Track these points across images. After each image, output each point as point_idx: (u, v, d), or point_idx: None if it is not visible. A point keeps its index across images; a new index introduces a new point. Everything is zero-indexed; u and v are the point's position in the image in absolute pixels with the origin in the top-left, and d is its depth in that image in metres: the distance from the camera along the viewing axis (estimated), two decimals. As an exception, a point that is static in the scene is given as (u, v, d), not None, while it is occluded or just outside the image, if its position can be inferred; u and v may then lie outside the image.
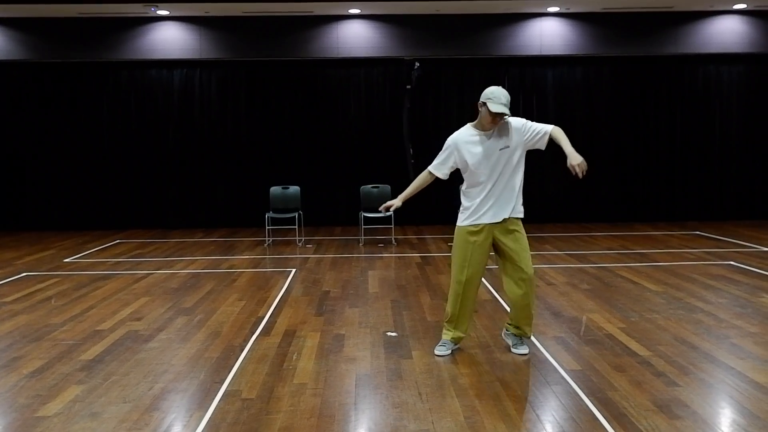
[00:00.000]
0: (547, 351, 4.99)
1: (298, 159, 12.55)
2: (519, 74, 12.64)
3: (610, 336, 5.35)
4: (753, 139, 12.77)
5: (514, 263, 4.77)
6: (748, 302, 6.39)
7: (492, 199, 4.74)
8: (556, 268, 8.23)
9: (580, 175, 4.47)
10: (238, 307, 6.46)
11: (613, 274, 7.79)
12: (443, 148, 4.90)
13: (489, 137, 4.74)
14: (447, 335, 5.00)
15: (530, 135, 4.72)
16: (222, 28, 11.90)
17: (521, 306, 4.84)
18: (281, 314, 6.19)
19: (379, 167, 12.09)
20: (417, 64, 11.60)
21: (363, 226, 10.40)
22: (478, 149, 4.73)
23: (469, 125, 4.87)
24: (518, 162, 4.77)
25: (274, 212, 10.56)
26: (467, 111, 12.42)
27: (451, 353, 4.94)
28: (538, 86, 12.68)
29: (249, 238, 11.20)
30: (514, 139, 4.72)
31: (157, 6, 11.05)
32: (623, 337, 5.29)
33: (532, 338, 5.31)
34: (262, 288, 7.36)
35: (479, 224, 4.78)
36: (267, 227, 10.47)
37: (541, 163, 12.58)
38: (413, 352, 5.01)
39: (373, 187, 10.57)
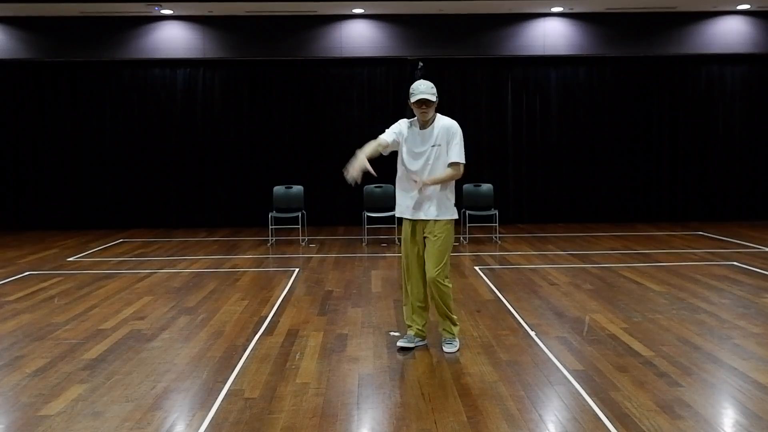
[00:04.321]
0: (549, 351, 4.98)
1: (302, 158, 12.56)
2: (522, 74, 12.63)
3: (613, 336, 5.34)
4: (756, 140, 12.75)
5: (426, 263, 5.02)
6: (751, 303, 6.38)
7: (423, 194, 4.95)
8: (558, 268, 8.23)
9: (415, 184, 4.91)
10: (240, 307, 6.46)
11: (616, 275, 7.78)
12: (395, 124, 5.16)
13: (424, 133, 4.97)
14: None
15: (450, 145, 4.92)
16: (225, 27, 11.91)
17: (435, 304, 5.07)
18: (284, 314, 6.19)
19: (382, 167, 11.99)
20: (420, 63, 11.59)
21: (366, 226, 10.40)
22: (414, 138, 4.99)
23: (414, 119, 5.08)
24: (444, 160, 4.95)
25: (277, 212, 10.57)
26: (470, 110, 12.49)
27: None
28: (541, 86, 12.67)
29: (252, 237, 11.21)
30: (445, 138, 4.93)
31: (160, 5, 11.06)
32: (626, 338, 5.29)
33: (535, 338, 5.31)
34: (264, 287, 7.37)
35: (411, 219, 5.03)
36: (270, 227, 10.48)
37: (542, 164, 12.69)
38: (415, 352, 5.01)
39: (376, 187, 10.56)
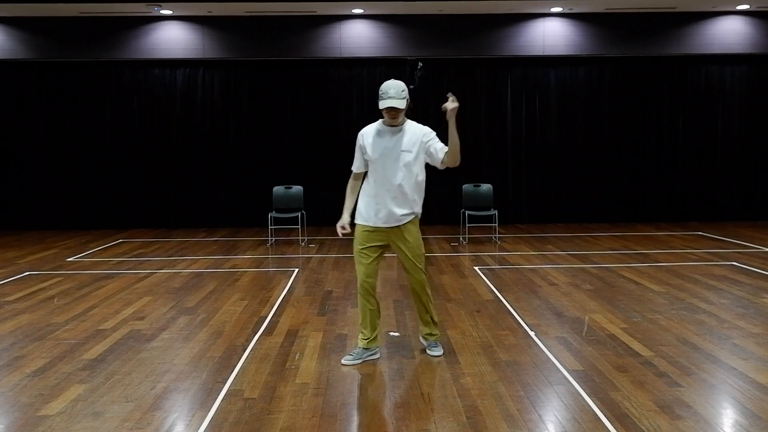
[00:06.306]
0: (549, 351, 4.99)
1: (301, 159, 12.56)
2: (522, 74, 12.63)
3: (613, 336, 5.35)
4: (755, 140, 12.75)
5: (406, 269, 4.86)
6: (750, 303, 6.38)
7: (387, 198, 4.67)
8: (558, 269, 8.23)
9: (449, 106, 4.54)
10: (240, 307, 6.47)
11: (616, 275, 7.79)
12: (356, 146, 4.87)
13: (395, 134, 4.69)
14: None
15: (430, 146, 4.66)
16: (225, 27, 11.91)
17: (416, 306, 4.95)
18: (284, 314, 6.19)
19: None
20: (420, 64, 11.59)
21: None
22: (380, 144, 4.69)
23: (380, 120, 4.78)
24: (417, 166, 4.69)
25: (276, 212, 10.57)
26: (470, 111, 12.48)
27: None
28: (540, 86, 12.67)
29: (252, 237, 11.21)
30: (417, 142, 4.66)
31: (160, 5, 11.06)
32: (625, 338, 5.29)
33: (534, 338, 5.32)
34: (264, 288, 7.37)
35: (372, 226, 4.75)
36: (270, 227, 10.48)
37: (542, 164, 12.70)
38: (415, 352, 5.01)
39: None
